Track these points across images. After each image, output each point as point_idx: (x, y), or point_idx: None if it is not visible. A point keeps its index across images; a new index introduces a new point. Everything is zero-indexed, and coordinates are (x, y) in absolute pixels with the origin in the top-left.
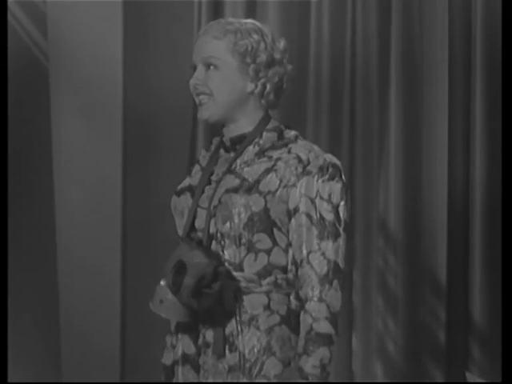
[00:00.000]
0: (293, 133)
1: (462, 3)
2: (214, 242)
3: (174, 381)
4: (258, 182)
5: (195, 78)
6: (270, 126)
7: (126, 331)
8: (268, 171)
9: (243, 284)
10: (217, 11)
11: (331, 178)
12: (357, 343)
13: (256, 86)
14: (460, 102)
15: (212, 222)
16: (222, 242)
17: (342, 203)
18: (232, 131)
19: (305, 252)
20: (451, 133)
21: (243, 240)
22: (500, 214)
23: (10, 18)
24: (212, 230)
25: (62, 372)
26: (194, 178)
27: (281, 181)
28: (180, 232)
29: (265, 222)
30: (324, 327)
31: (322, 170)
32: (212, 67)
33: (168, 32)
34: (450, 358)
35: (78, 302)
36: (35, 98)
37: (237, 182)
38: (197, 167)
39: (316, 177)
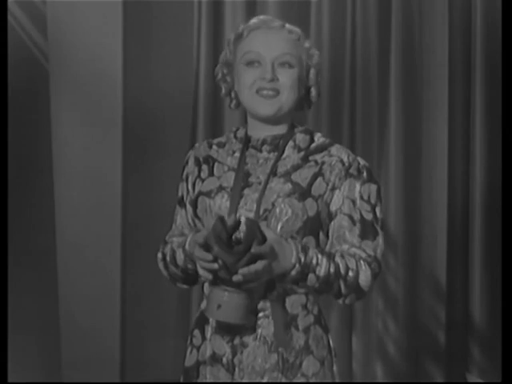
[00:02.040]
0: (319, 134)
1: (461, 3)
2: None
3: (200, 380)
4: (310, 186)
5: (267, 73)
6: (299, 127)
7: (125, 331)
8: (316, 175)
9: (287, 286)
10: (217, 11)
11: (369, 180)
12: (357, 343)
13: (308, 89)
14: (460, 102)
15: (263, 225)
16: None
17: (379, 203)
18: (268, 130)
19: (345, 247)
20: (451, 133)
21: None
22: (500, 214)
23: (9, 18)
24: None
25: (61, 372)
26: (224, 179)
27: (327, 184)
28: None
29: (316, 226)
30: (345, 263)
31: (360, 172)
32: (287, 65)
33: (168, 32)
34: (450, 358)
35: (78, 301)
36: (35, 98)
37: (289, 186)
38: (220, 166)
39: (357, 179)
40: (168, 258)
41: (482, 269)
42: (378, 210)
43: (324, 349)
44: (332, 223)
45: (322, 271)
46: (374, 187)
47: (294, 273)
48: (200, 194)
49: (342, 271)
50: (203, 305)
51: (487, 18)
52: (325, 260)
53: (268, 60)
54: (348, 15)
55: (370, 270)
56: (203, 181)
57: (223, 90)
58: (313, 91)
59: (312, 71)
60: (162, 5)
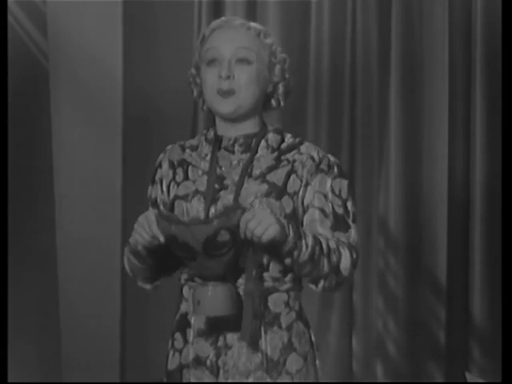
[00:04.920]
0: (289, 135)
1: (462, 3)
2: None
3: None
4: (285, 184)
5: (223, 70)
6: (270, 127)
7: (125, 331)
8: (289, 173)
9: (270, 284)
10: (217, 11)
11: (340, 175)
12: (357, 343)
13: (274, 87)
14: (460, 102)
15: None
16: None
17: (350, 198)
18: (238, 130)
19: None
20: (451, 133)
21: None
22: (500, 214)
23: (9, 18)
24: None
25: (62, 372)
26: (200, 182)
27: (301, 180)
28: None
29: (293, 222)
30: (336, 246)
31: (331, 167)
32: (246, 62)
33: (168, 32)
34: (449, 358)
35: (78, 302)
36: (35, 98)
37: (265, 187)
38: (194, 170)
39: (328, 174)
40: (126, 249)
41: (482, 269)
42: (349, 204)
43: (306, 344)
44: (304, 217)
45: (309, 245)
46: (345, 182)
47: (290, 239)
48: (176, 197)
49: (325, 249)
50: (183, 307)
51: (487, 18)
52: (310, 235)
53: (226, 57)
54: (348, 15)
55: (350, 255)
56: (178, 184)
57: (195, 93)
58: (280, 88)
59: (277, 67)
60: (162, 5)
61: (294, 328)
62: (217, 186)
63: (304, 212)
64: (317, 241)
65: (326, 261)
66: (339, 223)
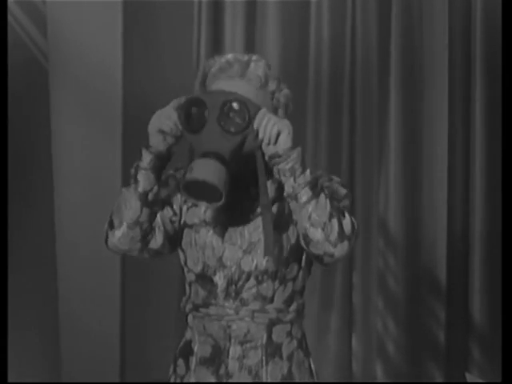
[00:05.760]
0: None
1: (462, 3)
2: (251, 279)
3: None
4: (289, 214)
5: None
6: None
7: (125, 331)
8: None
9: (274, 315)
10: (217, 11)
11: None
12: (357, 343)
13: None
14: (460, 102)
15: (248, 259)
16: (259, 278)
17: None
18: None
19: None
20: (451, 133)
21: (279, 274)
22: (500, 214)
23: (10, 18)
24: (248, 267)
25: (62, 372)
26: (208, 212)
27: None
28: (195, 266)
29: (299, 251)
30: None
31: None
32: None
33: (168, 32)
34: (449, 358)
35: (78, 301)
36: (35, 97)
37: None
38: None
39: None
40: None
41: (482, 269)
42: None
43: (306, 372)
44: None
45: (308, 171)
46: (346, 202)
47: (295, 154)
48: (185, 225)
49: (327, 193)
50: (188, 335)
51: (487, 18)
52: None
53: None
54: (348, 15)
55: (350, 219)
56: (188, 209)
57: None
58: None
59: (279, 111)
60: (162, 5)
61: (295, 357)
62: (225, 216)
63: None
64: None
65: (327, 200)
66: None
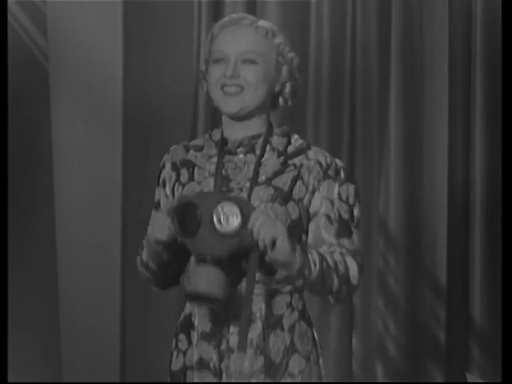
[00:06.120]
0: (296, 136)
1: (462, 3)
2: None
3: None
4: (290, 190)
5: (228, 70)
6: (276, 130)
7: (125, 331)
8: (295, 179)
9: (271, 286)
10: (217, 11)
11: (347, 180)
12: (357, 343)
13: (282, 86)
14: (460, 102)
15: None
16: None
17: (357, 203)
18: (244, 130)
19: (324, 247)
20: (451, 133)
21: None
22: (500, 214)
23: (10, 18)
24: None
25: (62, 372)
26: (205, 184)
27: (307, 187)
28: None
29: (298, 230)
30: (348, 265)
31: (338, 173)
32: (252, 62)
33: (168, 32)
34: (449, 358)
35: (78, 301)
36: (35, 98)
37: (270, 191)
38: (200, 171)
39: (335, 180)
40: (144, 257)
41: (482, 269)
42: (355, 210)
43: (309, 343)
44: (310, 224)
45: (317, 261)
46: (352, 187)
47: (298, 256)
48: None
49: (332, 264)
50: (187, 309)
51: (487, 18)
52: (314, 252)
53: (231, 57)
54: (348, 15)
55: (356, 263)
56: (183, 186)
57: (204, 89)
58: (287, 87)
59: (284, 68)
60: (162, 5)
61: (297, 328)
62: (223, 188)
63: (309, 219)
64: (322, 256)
65: (334, 275)
66: (343, 229)
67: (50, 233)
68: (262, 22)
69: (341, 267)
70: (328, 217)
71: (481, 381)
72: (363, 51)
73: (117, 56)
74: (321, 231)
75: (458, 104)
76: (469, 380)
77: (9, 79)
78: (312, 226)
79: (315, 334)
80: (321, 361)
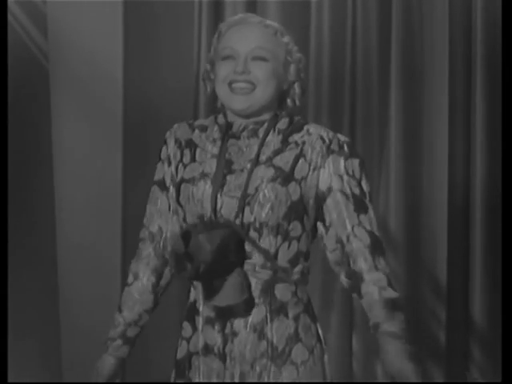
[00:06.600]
0: (298, 117)
1: (462, 3)
2: (251, 231)
3: (193, 371)
4: (292, 169)
5: (238, 66)
6: (283, 112)
7: None
8: (297, 157)
9: (278, 274)
10: (217, 11)
11: (351, 155)
12: (357, 343)
13: (290, 86)
14: (460, 102)
15: (247, 210)
16: (261, 231)
17: (364, 177)
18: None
19: (349, 227)
20: (451, 132)
21: (281, 229)
22: (500, 214)
23: (10, 18)
24: (247, 219)
25: (62, 372)
26: (206, 165)
27: (309, 164)
28: (194, 221)
29: (300, 210)
30: (392, 293)
31: (342, 147)
32: (261, 59)
33: (168, 32)
34: (449, 358)
35: (78, 301)
36: (35, 98)
37: (271, 171)
38: (203, 153)
39: (340, 154)
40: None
41: (482, 269)
42: (363, 183)
43: (313, 338)
44: (327, 202)
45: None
46: (356, 161)
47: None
48: (183, 180)
49: (391, 305)
50: (192, 296)
51: (487, 18)
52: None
53: (241, 54)
54: (348, 15)
55: (385, 276)
56: (185, 166)
57: (208, 89)
58: (295, 87)
59: (292, 66)
60: (162, 5)
61: (301, 319)
62: (225, 170)
63: (323, 196)
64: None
65: (399, 311)
66: (359, 205)
67: (50, 233)
68: (271, 22)
69: (393, 295)
70: (343, 192)
71: (481, 381)
72: (363, 51)
73: (117, 56)
74: (341, 207)
75: (458, 104)
76: (469, 380)
77: (9, 79)
78: (331, 204)
79: (319, 329)
80: (326, 357)
